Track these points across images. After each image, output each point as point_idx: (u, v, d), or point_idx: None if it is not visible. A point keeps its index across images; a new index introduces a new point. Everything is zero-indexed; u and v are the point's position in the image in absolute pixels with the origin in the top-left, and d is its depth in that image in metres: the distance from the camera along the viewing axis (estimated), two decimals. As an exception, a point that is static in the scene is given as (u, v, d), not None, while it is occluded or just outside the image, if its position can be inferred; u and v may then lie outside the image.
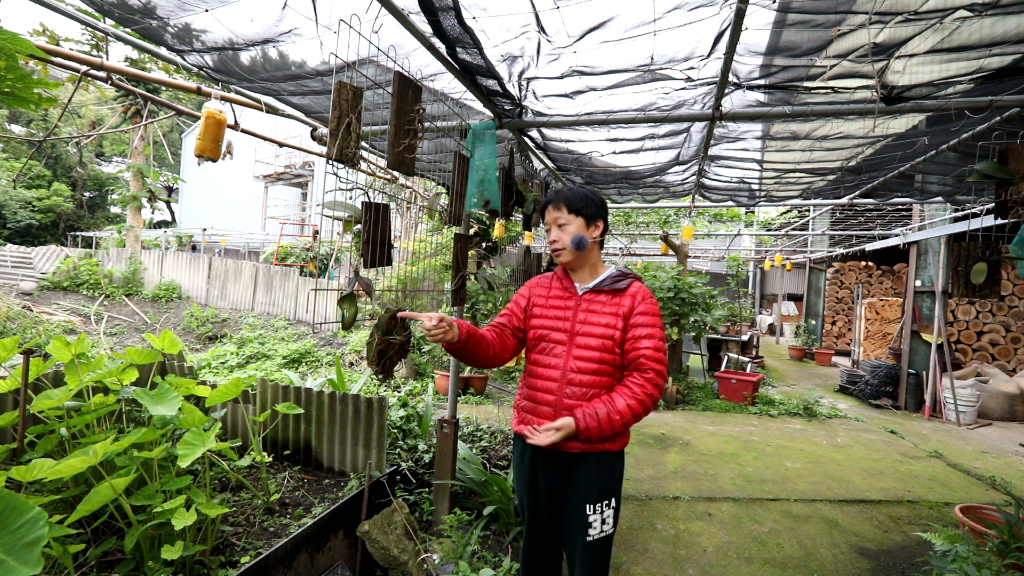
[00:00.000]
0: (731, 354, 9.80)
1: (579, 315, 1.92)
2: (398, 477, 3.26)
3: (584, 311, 1.92)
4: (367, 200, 1.86)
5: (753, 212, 15.73)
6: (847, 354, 13.60)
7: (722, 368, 9.42)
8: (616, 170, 4.59)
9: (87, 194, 33.63)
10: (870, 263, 13.84)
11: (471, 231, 3.41)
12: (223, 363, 8.84)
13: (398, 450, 3.62)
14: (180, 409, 2.26)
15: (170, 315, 12.74)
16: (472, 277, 3.33)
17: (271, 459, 2.86)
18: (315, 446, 3.10)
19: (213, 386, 3.03)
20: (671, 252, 9.20)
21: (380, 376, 2.04)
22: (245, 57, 2.60)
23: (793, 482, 4.54)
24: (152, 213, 30.46)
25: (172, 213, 36.42)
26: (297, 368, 8.83)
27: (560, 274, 2.05)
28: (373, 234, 1.84)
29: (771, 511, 3.93)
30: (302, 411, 2.90)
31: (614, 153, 4.08)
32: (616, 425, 1.76)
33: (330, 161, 1.59)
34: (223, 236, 20.27)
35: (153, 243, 20.62)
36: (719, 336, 10.24)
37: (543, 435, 1.78)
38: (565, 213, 1.93)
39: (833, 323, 14.29)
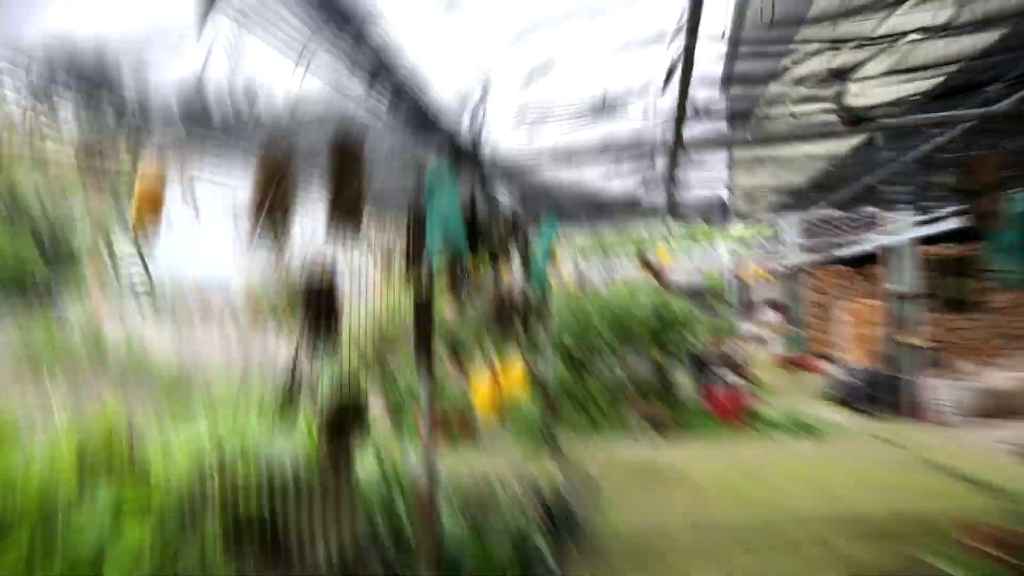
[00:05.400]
0: (716, 369, 9.69)
1: None
2: None
3: None
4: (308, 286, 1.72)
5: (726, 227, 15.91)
6: (831, 360, 13.63)
7: (707, 384, 9.30)
8: (583, 198, 4.52)
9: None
10: (847, 268, 13.98)
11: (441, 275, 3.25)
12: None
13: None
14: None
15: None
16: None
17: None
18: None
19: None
20: (648, 273, 9.18)
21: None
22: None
23: (783, 500, 4.48)
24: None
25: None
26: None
27: None
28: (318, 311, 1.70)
29: (760, 533, 3.85)
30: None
31: (579, 182, 4.00)
32: None
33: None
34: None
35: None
36: (703, 352, 10.14)
37: None
38: None
39: (815, 330, 14.34)
